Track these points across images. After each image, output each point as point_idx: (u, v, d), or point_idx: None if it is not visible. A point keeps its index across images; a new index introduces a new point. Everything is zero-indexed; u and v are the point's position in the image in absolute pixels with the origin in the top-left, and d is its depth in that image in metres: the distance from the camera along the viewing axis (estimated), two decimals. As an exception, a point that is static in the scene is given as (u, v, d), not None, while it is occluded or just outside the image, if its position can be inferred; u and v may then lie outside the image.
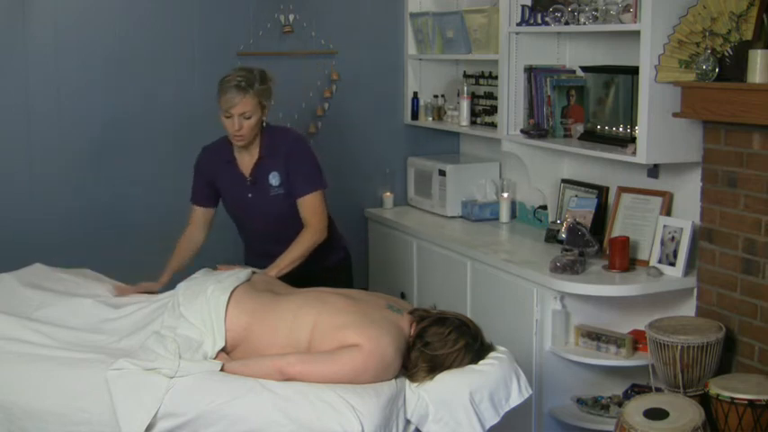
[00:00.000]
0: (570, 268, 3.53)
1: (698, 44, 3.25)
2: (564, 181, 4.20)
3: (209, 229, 3.59)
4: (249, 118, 3.33)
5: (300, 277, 3.29)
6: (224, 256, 3.59)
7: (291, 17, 4.61)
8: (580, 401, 3.60)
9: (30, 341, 2.78)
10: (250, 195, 3.45)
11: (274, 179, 3.42)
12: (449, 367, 2.67)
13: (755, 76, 3.07)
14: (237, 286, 2.86)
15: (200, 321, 2.74)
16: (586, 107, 3.84)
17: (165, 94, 4.43)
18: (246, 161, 3.46)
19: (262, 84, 3.34)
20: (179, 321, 2.75)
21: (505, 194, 4.50)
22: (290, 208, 3.44)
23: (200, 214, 3.56)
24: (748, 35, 3.17)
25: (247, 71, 3.36)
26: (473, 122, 4.69)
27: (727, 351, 3.35)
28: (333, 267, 3.58)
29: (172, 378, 2.56)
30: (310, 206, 3.42)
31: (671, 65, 3.30)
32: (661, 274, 3.51)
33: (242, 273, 2.99)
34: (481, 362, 2.72)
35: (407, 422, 2.63)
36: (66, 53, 4.24)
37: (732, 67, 3.21)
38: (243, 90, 3.30)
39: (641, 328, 3.49)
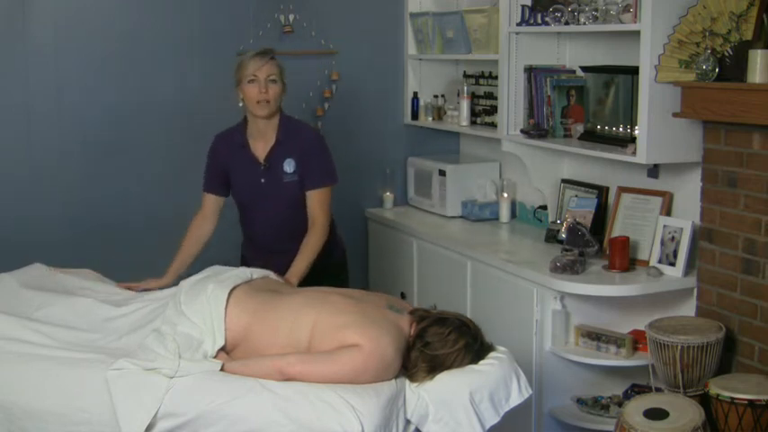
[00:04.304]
0: (570, 268, 3.53)
1: (698, 44, 3.25)
2: (564, 181, 4.20)
3: (218, 220, 3.58)
4: (275, 82, 3.38)
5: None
6: (225, 257, 3.58)
7: (291, 17, 4.61)
8: (580, 401, 3.60)
9: (30, 341, 2.78)
10: (263, 181, 3.45)
11: (289, 166, 3.43)
12: (449, 367, 2.67)
13: (755, 76, 3.07)
14: (238, 285, 2.86)
15: (201, 320, 2.74)
16: (586, 107, 3.84)
17: (165, 93, 4.43)
18: (261, 146, 3.46)
19: (279, 59, 3.43)
20: (180, 318, 2.75)
21: (505, 194, 4.50)
22: (303, 198, 3.45)
23: (211, 202, 3.56)
24: (748, 35, 3.17)
25: (264, 48, 3.46)
26: (473, 122, 4.69)
27: (727, 351, 3.35)
28: (331, 265, 3.57)
29: (172, 378, 2.56)
30: (319, 200, 3.43)
31: (671, 65, 3.30)
32: (661, 274, 3.52)
33: (243, 272, 2.99)
34: (481, 362, 2.72)
35: (407, 422, 2.62)
36: (66, 53, 4.24)
37: (732, 67, 3.21)
38: (266, 55, 3.39)
39: (641, 328, 3.49)
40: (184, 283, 2.94)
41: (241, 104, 3.45)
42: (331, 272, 3.53)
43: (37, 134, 4.23)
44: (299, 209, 3.45)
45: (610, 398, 3.61)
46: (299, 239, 3.40)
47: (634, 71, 3.43)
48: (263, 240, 3.57)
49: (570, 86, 3.99)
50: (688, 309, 3.56)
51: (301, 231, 3.42)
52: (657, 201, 3.67)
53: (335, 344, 2.63)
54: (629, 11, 3.42)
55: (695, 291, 3.52)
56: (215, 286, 2.82)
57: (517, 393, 2.72)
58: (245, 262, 3.63)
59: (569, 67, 4.16)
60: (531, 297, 3.61)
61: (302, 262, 3.33)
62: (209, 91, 4.52)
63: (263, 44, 4.52)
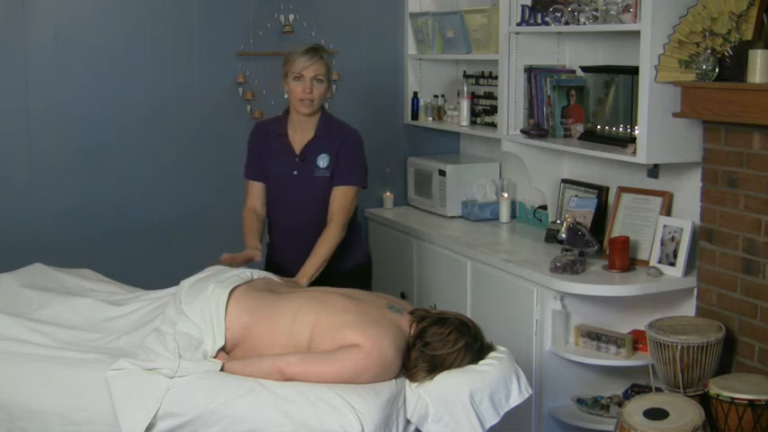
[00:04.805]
0: (570, 268, 3.53)
1: (698, 44, 3.25)
2: (564, 181, 4.20)
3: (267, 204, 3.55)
4: (321, 82, 3.37)
5: (317, 280, 3.27)
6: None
7: (291, 17, 4.61)
8: (580, 401, 3.60)
9: (30, 341, 2.79)
10: (295, 173, 3.44)
11: (323, 161, 3.42)
12: (449, 367, 2.67)
13: (755, 76, 3.07)
14: (238, 286, 2.86)
15: (201, 319, 2.74)
16: (586, 107, 3.84)
17: (165, 93, 4.43)
18: (299, 138, 3.46)
19: (328, 57, 3.42)
20: (180, 318, 2.75)
21: (505, 194, 4.50)
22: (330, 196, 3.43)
23: (256, 189, 3.52)
24: (748, 35, 3.17)
25: (314, 45, 3.44)
26: (473, 122, 4.69)
27: (727, 351, 3.35)
28: (350, 270, 3.51)
29: (172, 378, 2.56)
30: (342, 197, 3.40)
31: (671, 65, 3.30)
32: (661, 274, 3.52)
33: (244, 273, 2.99)
34: (481, 362, 2.72)
35: (407, 422, 2.63)
36: (66, 53, 4.24)
37: (732, 67, 3.21)
38: (316, 53, 3.37)
39: (641, 328, 3.49)
40: (185, 283, 2.94)
41: (286, 96, 3.45)
42: (349, 277, 3.45)
43: (37, 134, 4.23)
44: (327, 205, 3.41)
45: (610, 398, 3.61)
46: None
47: (634, 71, 3.43)
48: (288, 236, 3.51)
49: (570, 86, 3.99)
50: (688, 309, 3.56)
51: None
52: (657, 201, 3.67)
53: (336, 344, 2.63)
54: (629, 11, 3.42)
55: (695, 291, 3.52)
56: (215, 286, 2.82)
57: (517, 393, 2.72)
58: (271, 261, 3.58)
59: (569, 67, 4.16)
60: (531, 297, 3.61)
61: (313, 263, 3.28)
62: (210, 91, 4.52)
63: (263, 44, 4.56)
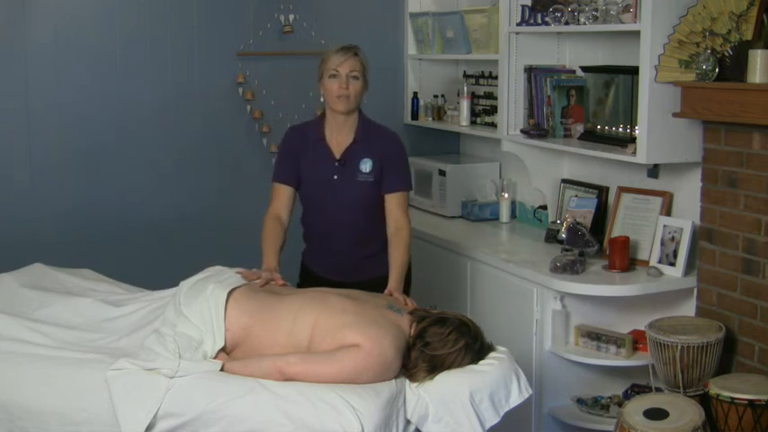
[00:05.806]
0: (570, 268, 3.53)
1: (698, 44, 3.25)
2: (564, 181, 4.20)
3: (292, 211, 3.39)
4: (357, 78, 3.28)
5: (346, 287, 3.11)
6: (245, 260, 3.52)
7: (291, 17, 4.61)
8: (580, 401, 3.60)
9: (30, 341, 2.79)
10: (336, 177, 3.32)
11: (365, 165, 3.31)
12: (449, 367, 2.67)
13: (755, 76, 3.07)
14: (237, 287, 2.86)
15: (200, 320, 2.74)
16: (586, 107, 3.84)
17: (165, 93, 4.43)
18: (338, 141, 3.34)
19: (364, 56, 3.34)
20: (179, 319, 2.75)
21: (505, 194, 4.50)
22: (373, 199, 3.33)
23: (285, 193, 3.35)
24: (748, 35, 3.17)
25: (349, 44, 3.35)
26: (473, 122, 4.69)
27: (727, 351, 3.35)
28: (384, 278, 3.29)
29: (172, 378, 2.56)
30: (399, 202, 3.31)
31: (671, 65, 3.30)
32: (661, 274, 3.51)
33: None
34: (481, 362, 2.72)
35: (407, 422, 2.63)
36: (66, 53, 4.24)
37: (732, 67, 3.21)
38: (350, 50, 3.30)
39: (641, 328, 3.49)
40: (184, 284, 2.94)
41: (322, 100, 3.36)
42: (381, 285, 3.23)
43: (37, 134, 4.23)
44: (367, 210, 3.34)
45: (610, 398, 3.61)
46: (361, 242, 3.33)
47: (634, 71, 3.43)
48: (325, 241, 3.40)
49: (570, 86, 3.99)
50: (688, 309, 3.56)
51: (365, 235, 3.34)
52: (657, 201, 3.67)
53: (336, 344, 2.63)
54: (629, 11, 3.42)
55: (695, 291, 3.52)
56: (214, 287, 2.82)
57: (517, 393, 2.72)
58: (306, 270, 3.49)
59: (569, 67, 4.15)
60: (531, 297, 3.60)
61: (398, 267, 3.19)
62: (210, 91, 4.52)
63: (263, 44, 4.56)
